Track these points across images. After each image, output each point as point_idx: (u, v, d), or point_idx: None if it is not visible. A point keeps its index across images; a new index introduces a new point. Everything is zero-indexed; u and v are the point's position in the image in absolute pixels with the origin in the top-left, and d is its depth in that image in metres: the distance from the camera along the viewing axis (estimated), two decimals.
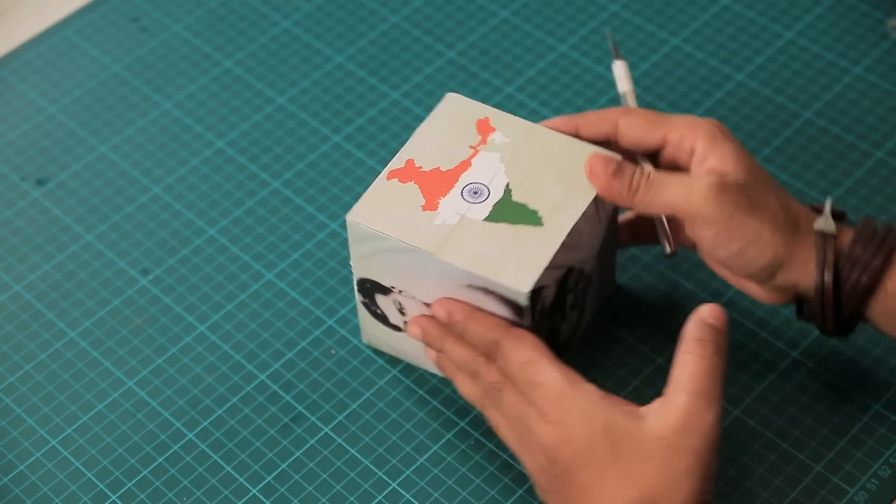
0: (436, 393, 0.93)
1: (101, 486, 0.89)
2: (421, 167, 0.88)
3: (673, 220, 0.89)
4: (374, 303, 0.91)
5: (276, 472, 0.89)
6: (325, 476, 0.89)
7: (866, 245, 0.84)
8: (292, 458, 0.90)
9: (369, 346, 0.95)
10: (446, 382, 0.93)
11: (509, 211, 0.86)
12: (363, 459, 0.90)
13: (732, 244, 0.85)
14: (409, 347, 0.92)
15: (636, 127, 0.88)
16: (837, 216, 0.87)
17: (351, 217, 0.86)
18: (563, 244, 0.85)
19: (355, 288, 0.91)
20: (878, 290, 0.84)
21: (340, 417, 0.92)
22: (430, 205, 0.87)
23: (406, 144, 0.89)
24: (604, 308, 0.96)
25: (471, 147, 0.89)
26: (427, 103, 1.07)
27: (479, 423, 0.91)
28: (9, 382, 0.94)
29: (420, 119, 1.05)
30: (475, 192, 0.87)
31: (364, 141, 1.06)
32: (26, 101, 1.09)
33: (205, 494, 0.89)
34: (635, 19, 1.12)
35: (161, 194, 1.03)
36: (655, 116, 0.89)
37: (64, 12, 1.15)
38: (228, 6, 1.15)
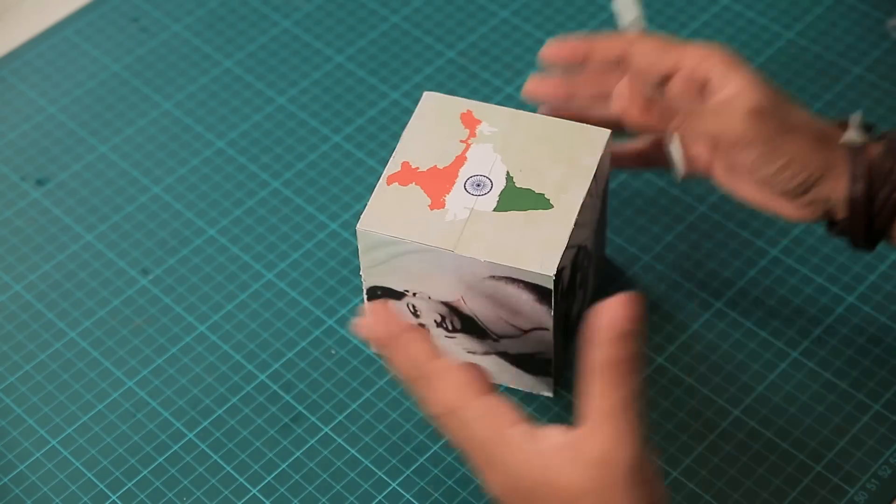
0: None
1: (101, 486, 0.89)
2: (418, 168, 0.88)
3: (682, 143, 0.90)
4: None
5: (276, 472, 0.89)
6: (325, 476, 0.89)
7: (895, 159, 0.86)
8: (292, 458, 0.90)
9: (377, 353, 0.95)
10: None
11: (516, 198, 0.87)
12: (363, 459, 0.90)
13: (773, 164, 0.86)
14: None
15: (649, 51, 0.88)
16: (866, 128, 0.88)
17: (361, 226, 0.86)
18: (575, 223, 0.85)
19: (365, 298, 0.91)
20: None
21: (340, 417, 0.92)
22: (437, 203, 0.87)
23: (396, 148, 0.89)
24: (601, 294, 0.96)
25: (461, 141, 0.89)
26: None
27: None
28: (9, 382, 0.94)
29: None
30: (478, 185, 0.88)
31: (364, 141, 1.06)
32: (26, 101, 1.09)
33: (205, 494, 0.89)
34: None
35: (161, 194, 1.03)
36: (665, 44, 0.89)
37: (64, 12, 1.15)
38: (228, 6, 1.15)
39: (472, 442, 0.75)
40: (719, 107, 0.86)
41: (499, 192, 0.87)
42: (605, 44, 0.90)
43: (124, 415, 0.92)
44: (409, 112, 1.06)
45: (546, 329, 0.87)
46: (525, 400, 0.92)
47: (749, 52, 1.10)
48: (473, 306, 0.88)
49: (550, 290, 0.85)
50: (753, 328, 0.95)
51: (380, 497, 0.88)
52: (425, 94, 0.92)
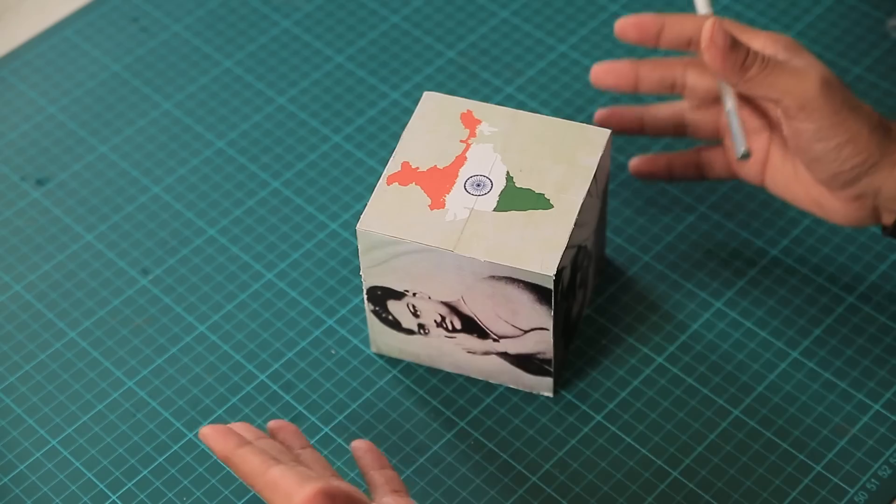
0: (436, 393, 0.93)
1: (101, 486, 0.89)
2: (418, 168, 0.88)
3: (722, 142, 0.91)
4: (385, 309, 0.91)
5: None
6: None
7: None
8: None
9: (377, 353, 0.95)
10: (446, 382, 0.93)
11: (516, 198, 0.87)
12: None
13: (832, 139, 0.87)
14: (424, 350, 0.92)
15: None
16: None
17: (361, 226, 0.86)
18: (575, 223, 0.85)
19: (365, 297, 0.91)
20: None
21: (340, 417, 0.92)
22: (437, 203, 0.87)
23: (397, 148, 0.89)
24: (603, 306, 0.96)
25: (461, 141, 0.89)
26: None
27: (479, 423, 0.91)
28: (9, 382, 0.94)
29: None
30: (478, 185, 0.88)
31: (364, 141, 1.06)
32: (26, 101, 1.09)
33: (205, 494, 0.89)
34: None
35: (161, 194, 1.03)
36: (739, 25, 0.91)
37: (64, 12, 1.15)
38: (228, 6, 1.15)
39: None
40: (797, 69, 0.87)
41: (499, 192, 0.87)
42: (680, 21, 0.91)
43: (124, 415, 0.92)
44: (409, 112, 1.06)
45: (546, 329, 0.87)
46: (525, 400, 0.92)
47: None
48: (473, 306, 0.88)
49: (550, 290, 0.85)
50: (753, 328, 0.95)
51: None
52: (425, 94, 0.92)
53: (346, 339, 0.95)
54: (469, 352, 0.91)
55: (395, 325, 0.92)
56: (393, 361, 0.94)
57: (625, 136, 1.02)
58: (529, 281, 0.85)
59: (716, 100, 0.94)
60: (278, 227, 1.01)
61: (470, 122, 0.91)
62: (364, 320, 0.96)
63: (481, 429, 0.91)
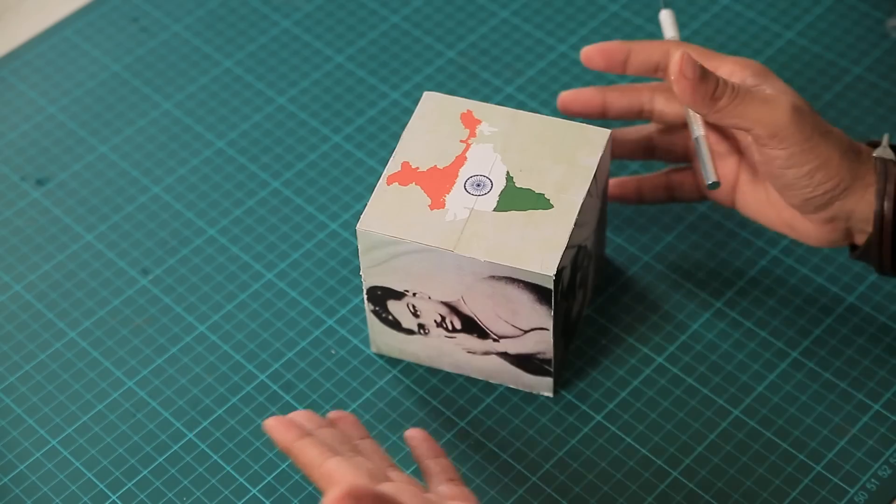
0: (436, 393, 0.93)
1: (101, 486, 0.89)
2: (418, 168, 0.88)
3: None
4: (385, 309, 0.91)
5: (276, 472, 0.89)
6: None
7: None
8: None
9: (377, 353, 0.95)
10: (446, 382, 0.93)
11: (516, 198, 0.87)
12: None
13: (804, 166, 0.87)
14: (424, 350, 0.92)
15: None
16: (894, 150, 0.89)
17: (361, 226, 0.86)
18: (575, 223, 0.85)
19: (365, 297, 0.91)
20: None
21: None
22: (437, 203, 0.87)
23: (397, 148, 0.89)
24: (603, 306, 0.96)
25: (461, 141, 0.89)
26: None
27: (479, 423, 0.91)
28: (9, 382, 0.94)
29: None
30: (478, 185, 0.88)
31: (364, 141, 1.06)
32: (26, 101, 1.09)
33: (205, 494, 0.89)
34: (636, 19, 1.12)
35: (161, 194, 1.03)
36: (707, 51, 0.91)
37: (64, 12, 1.15)
38: (228, 6, 1.15)
39: None
40: (767, 97, 0.87)
41: (499, 192, 0.87)
42: (646, 48, 0.91)
43: (124, 415, 0.92)
44: (409, 112, 1.06)
45: (546, 329, 0.87)
46: (525, 400, 0.92)
47: (749, 52, 1.10)
48: (473, 306, 0.88)
49: (550, 290, 0.85)
50: (753, 328, 0.95)
51: None
52: (425, 94, 0.92)
53: (346, 339, 0.95)
54: (469, 352, 0.91)
55: (395, 325, 0.92)
56: (393, 361, 0.94)
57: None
58: (529, 281, 0.85)
59: (684, 123, 0.94)
60: (278, 227, 1.01)
61: (470, 122, 0.91)
62: (364, 320, 0.96)
63: (481, 429, 0.91)
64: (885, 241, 0.88)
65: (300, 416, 0.82)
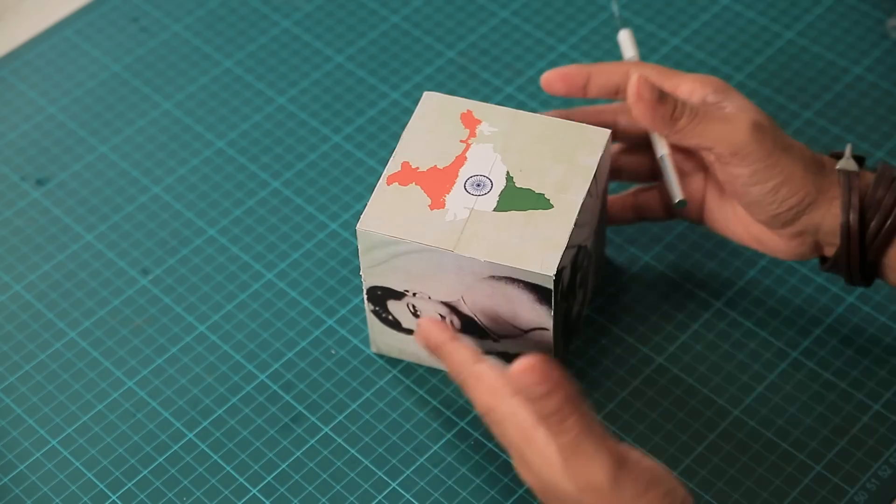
0: (436, 393, 0.93)
1: (101, 486, 0.89)
2: (418, 168, 0.88)
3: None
4: (385, 310, 0.91)
5: (276, 472, 0.89)
6: (325, 476, 0.89)
7: (888, 188, 0.87)
8: (292, 458, 0.90)
9: (377, 353, 0.95)
10: (446, 382, 0.93)
11: (516, 198, 0.87)
12: (363, 459, 0.90)
13: (768, 182, 0.87)
14: (423, 350, 0.92)
15: (648, 75, 0.90)
16: (857, 161, 0.89)
17: (361, 226, 0.86)
18: (575, 223, 0.85)
19: (365, 297, 0.91)
20: None
21: (340, 417, 0.92)
22: (437, 203, 0.87)
23: (397, 148, 0.89)
24: (603, 306, 0.96)
25: (461, 141, 0.89)
26: None
27: (479, 423, 0.91)
28: (9, 382, 0.94)
29: None
30: (478, 185, 0.88)
31: (364, 141, 1.06)
32: (26, 101, 1.09)
33: (205, 494, 0.89)
34: (635, 19, 1.12)
35: (161, 194, 1.03)
36: (666, 70, 0.91)
37: (64, 12, 1.15)
38: (228, 6, 1.15)
39: (507, 439, 0.80)
40: (726, 115, 0.88)
41: (499, 192, 0.87)
42: (606, 71, 0.91)
43: (124, 415, 0.92)
44: (409, 112, 1.06)
45: (546, 329, 0.87)
46: None
47: (749, 52, 1.10)
48: (473, 306, 0.88)
49: (550, 290, 0.85)
50: (753, 328, 0.95)
51: (380, 497, 0.88)
52: (425, 94, 0.92)
53: (346, 339, 0.95)
54: None
55: (395, 325, 0.92)
56: (393, 361, 0.94)
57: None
58: (529, 281, 0.85)
59: (648, 143, 0.94)
60: (278, 227, 1.01)
61: (470, 122, 0.91)
62: (364, 320, 0.96)
63: (481, 429, 0.91)
64: (853, 253, 0.87)
65: (439, 324, 0.86)
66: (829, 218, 0.87)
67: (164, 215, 1.02)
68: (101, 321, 0.97)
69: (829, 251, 0.89)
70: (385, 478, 0.89)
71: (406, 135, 0.90)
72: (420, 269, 0.87)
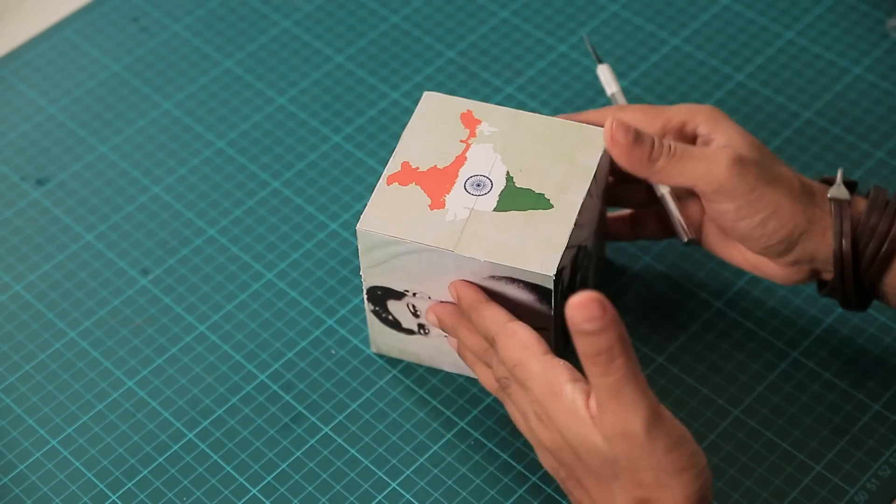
0: (436, 393, 0.93)
1: (101, 486, 0.89)
2: (418, 168, 0.88)
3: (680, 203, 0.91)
4: (385, 309, 0.91)
5: (276, 472, 0.89)
6: (325, 476, 0.89)
7: (881, 214, 0.86)
8: (292, 458, 0.90)
9: (377, 353, 0.95)
10: (446, 382, 0.93)
11: (516, 198, 0.87)
12: (363, 459, 0.90)
13: (755, 216, 0.86)
14: (424, 350, 0.92)
15: (635, 120, 0.90)
16: (849, 186, 0.88)
17: (361, 226, 0.86)
18: (575, 223, 0.85)
19: (365, 297, 0.91)
20: (893, 261, 0.86)
21: (340, 417, 0.92)
22: (437, 203, 0.87)
23: (397, 148, 0.89)
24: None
25: (461, 141, 0.89)
26: None
27: (479, 423, 0.91)
28: (9, 382, 0.94)
29: None
30: (478, 185, 0.88)
31: (364, 141, 1.06)
32: (26, 101, 1.09)
33: (205, 494, 0.89)
34: (635, 19, 1.12)
35: (161, 194, 1.03)
36: (652, 108, 0.91)
37: (64, 12, 1.15)
38: (228, 6, 1.15)
39: (528, 398, 0.80)
40: (705, 153, 0.86)
41: (499, 192, 0.87)
42: (594, 117, 0.91)
43: (124, 415, 0.92)
44: (409, 112, 1.06)
45: (546, 329, 0.87)
46: None
47: (749, 52, 1.10)
48: None
49: (550, 290, 0.85)
50: (753, 328, 0.95)
51: (380, 497, 0.88)
52: (425, 94, 0.92)
53: (346, 339, 0.95)
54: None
55: (395, 325, 0.92)
56: (393, 361, 0.94)
57: None
58: (529, 281, 0.85)
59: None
60: (278, 227, 1.01)
61: (470, 122, 0.91)
62: (364, 320, 0.96)
63: (481, 429, 0.91)
64: (847, 279, 0.87)
65: (473, 286, 0.86)
66: (823, 247, 0.86)
67: (164, 215, 1.02)
68: (101, 321, 0.97)
69: (829, 276, 0.89)
70: (385, 478, 0.89)
71: (406, 135, 0.90)
72: (420, 269, 0.87)
